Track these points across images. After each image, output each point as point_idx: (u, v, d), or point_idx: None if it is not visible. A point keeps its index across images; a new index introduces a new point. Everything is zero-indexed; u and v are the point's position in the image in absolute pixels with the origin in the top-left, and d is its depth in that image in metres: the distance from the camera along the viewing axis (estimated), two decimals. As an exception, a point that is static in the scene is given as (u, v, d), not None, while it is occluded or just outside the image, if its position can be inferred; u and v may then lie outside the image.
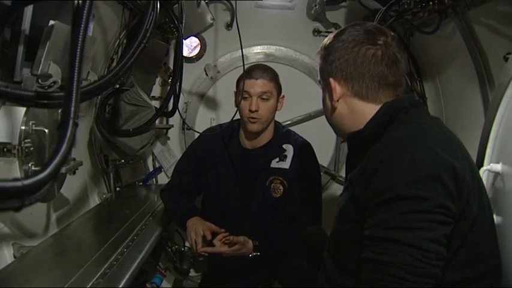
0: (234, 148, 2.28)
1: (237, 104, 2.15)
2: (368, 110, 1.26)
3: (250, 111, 2.10)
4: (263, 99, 2.12)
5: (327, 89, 1.33)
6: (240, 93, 2.13)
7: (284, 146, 2.23)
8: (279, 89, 2.19)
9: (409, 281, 0.99)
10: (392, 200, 1.03)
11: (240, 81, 2.17)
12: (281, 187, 2.19)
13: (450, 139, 1.16)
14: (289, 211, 2.16)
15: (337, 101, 1.30)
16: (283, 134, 2.29)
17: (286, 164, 2.20)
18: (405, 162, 1.05)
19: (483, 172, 1.31)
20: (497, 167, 1.28)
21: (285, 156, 2.21)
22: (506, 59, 1.39)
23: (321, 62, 1.35)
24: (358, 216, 1.13)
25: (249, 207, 2.21)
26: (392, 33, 1.31)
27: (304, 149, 2.23)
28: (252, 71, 2.16)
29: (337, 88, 1.29)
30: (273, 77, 2.16)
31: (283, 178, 2.19)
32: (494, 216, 1.22)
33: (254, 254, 2.01)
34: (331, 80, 1.30)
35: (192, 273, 3.09)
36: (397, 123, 1.20)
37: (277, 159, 2.21)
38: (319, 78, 1.40)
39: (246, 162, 2.24)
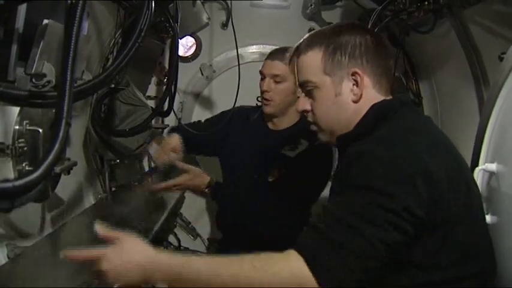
0: (257, 125, 2.23)
1: None
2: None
3: (261, 91, 2.07)
4: (276, 81, 2.05)
5: (341, 82, 1.20)
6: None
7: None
8: None
9: (348, 266, 0.97)
10: (364, 188, 1.02)
11: None
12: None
13: (436, 139, 1.15)
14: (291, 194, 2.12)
15: (361, 94, 1.19)
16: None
17: (293, 153, 2.13)
18: (384, 158, 1.04)
19: (478, 172, 1.31)
20: (492, 166, 1.28)
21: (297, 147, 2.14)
22: (501, 59, 1.39)
23: (325, 53, 1.21)
24: None
25: (259, 183, 2.14)
26: None
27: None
28: (273, 51, 2.12)
29: (365, 78, 1.17)
30: None
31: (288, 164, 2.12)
32: (489, 216, 1.22)
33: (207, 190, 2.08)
34: (358, 69, 1.17)
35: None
36: (385, 123, 1.18)
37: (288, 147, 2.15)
38: (310, 78, 1.25)
39: (265, 140, 2.18)
